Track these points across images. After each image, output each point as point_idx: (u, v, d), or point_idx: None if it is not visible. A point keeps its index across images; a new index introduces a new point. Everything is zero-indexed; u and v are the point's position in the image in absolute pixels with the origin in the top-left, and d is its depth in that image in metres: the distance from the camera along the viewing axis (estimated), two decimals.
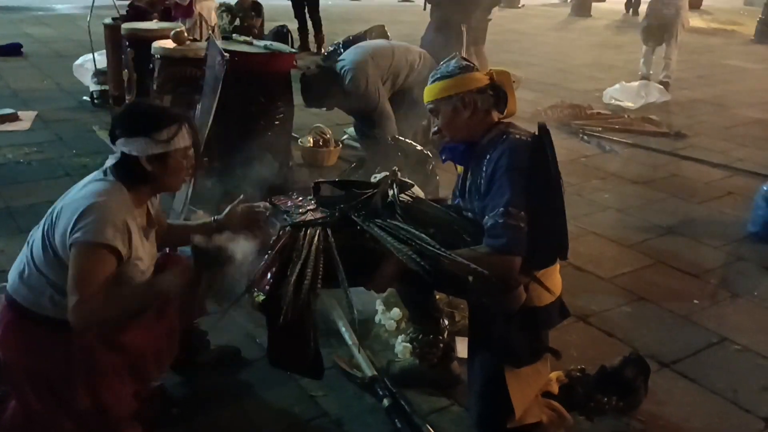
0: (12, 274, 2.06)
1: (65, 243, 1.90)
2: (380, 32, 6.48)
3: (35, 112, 6.00)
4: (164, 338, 2.21)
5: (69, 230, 1.89)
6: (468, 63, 2.21)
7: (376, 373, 2.56)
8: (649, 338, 2.96)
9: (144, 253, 2.07)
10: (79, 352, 1.98)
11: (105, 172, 2.02)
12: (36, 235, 2.04)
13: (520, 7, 17.84)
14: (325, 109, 4.49)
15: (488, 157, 2.08)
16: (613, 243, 3.96)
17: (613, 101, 7.23)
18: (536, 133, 2.08)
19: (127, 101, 4.98)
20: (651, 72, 7.96)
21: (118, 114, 2.05)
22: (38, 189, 4.37)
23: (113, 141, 2.01)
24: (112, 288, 1.93)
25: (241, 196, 2.45)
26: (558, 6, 18.89)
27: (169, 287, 2.09)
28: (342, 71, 4.25)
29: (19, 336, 2.01)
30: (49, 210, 2.04)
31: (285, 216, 2.28)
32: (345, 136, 5.31)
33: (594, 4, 17.08)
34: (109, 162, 2.01)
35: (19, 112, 5.88)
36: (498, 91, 2.18)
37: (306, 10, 9.28)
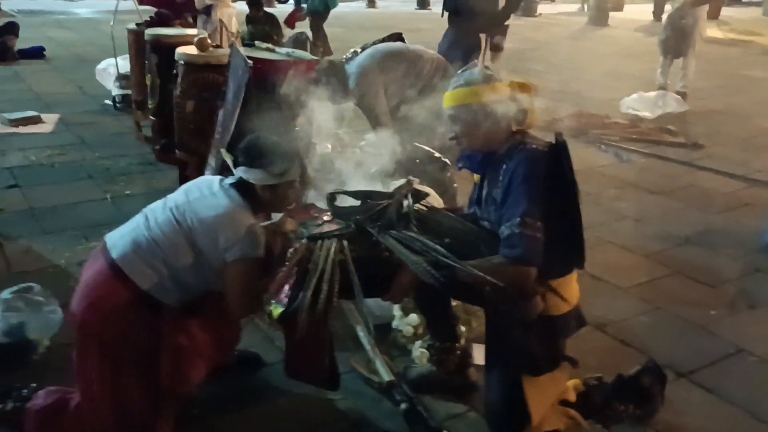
0: (123, 245, 2.19)
1: (219, 253, 2.16)
2: (397, 40, 6.51)
3: (58, 115, 6.11)
4: (226, 330, 2.48)
5: (227, 247, 2.15)
6: (491, 73, 2.23)
7: (393, 378, 2.59)
8: (666, 348, 2.96)
9: None
10: (163, 330, 2.19)
11: (226, 188, 2.25)
12: (158, 219, 2.22)
13: (537, 16, 17.87)
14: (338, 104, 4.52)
15: (505, 166, 2.09)
16: (630, 252, 3.97)
17: (630, 111, 7.22)
18: (553, 143, 2.10)
19: (149, 106, 5.04)
20: (668, 82, 7.94)
21: (244, 144, 2.32)
22: (61, 191, 4.45)
23: (235, 166, 2.27)
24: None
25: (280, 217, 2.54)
26: (575, 15, 18.89)
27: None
28: (349, 73, 4.31)
29: (115, 306, 2.13)
30: (170, 203, 2.25)
31: (301, 228, 2.32)
32: (363, 143, 5.34)
33: (611, 14, 17.08)
34: (230, 180, 2.27)
35: (42, 115, 5.98)
36: (519, 103, 2.20)
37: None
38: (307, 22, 9.74)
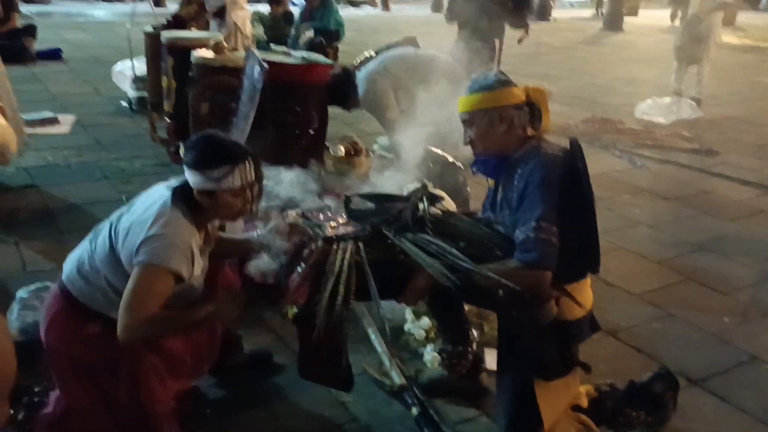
0: (69, 266, 2.14)
1: (131, 260, 1.98)
2: (411, 43, 6.53)
3: (74, 117, 6.16)
4: (205, 344, 2.31)
5: (135, 249, 1.96)
6: (506, 78, 2.24)
7: (405, 381, 2.60)
8: (679, 355, 2.96)
9: (198, 268, 2.15)
10: (124, 350, 2.04)
11: (173, 192, 2.08)
12: (100, 234, 2.12)
13: (550, 21, 17.85)
14: (342, 109, 4.54)
15: (520, 171, 2.11)
16: (644, 259, 3.96)
17: (644, 116, 7.21)
18: (568, 148, 2.11)
19: (165, 108, 5.08)
20: (683, 88, 7.91)
21: (188, 142, 2.13)
22: (77, 191, 4.49)
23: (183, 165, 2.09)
24: (162, 310, 2.01)
25: (283, 212, 2.51)
26: (589, 20, 18.85)
27: (217, 316, 2.19)
28: (359, 80, 4.33)
29: (68, 326, 2.09)
30: (115, 214, 2.13)
31: (317, 229, 2.33)
32: (376, 146, 5.37)
33: (626, 19, 17.03)
34: (173, 183, 2.10)
35: (59, 116, 6.04)
36: (534, 108, 2.21)
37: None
38: None
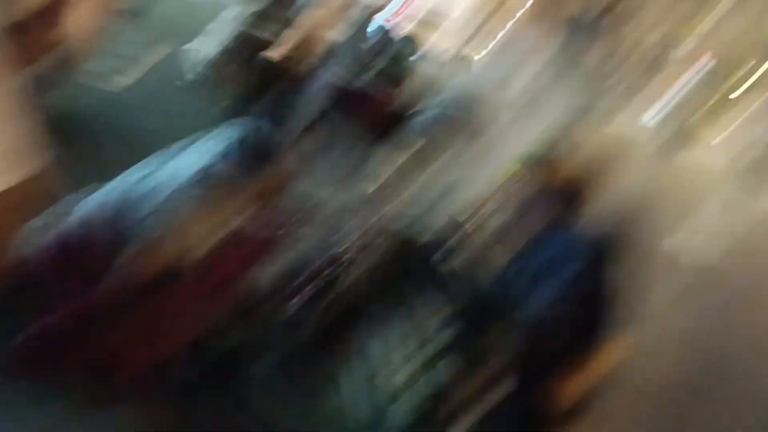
0: (95, 204, 2.15)
1: None
2: None
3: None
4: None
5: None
6: (553, 149, 2.24)
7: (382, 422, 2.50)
8: None
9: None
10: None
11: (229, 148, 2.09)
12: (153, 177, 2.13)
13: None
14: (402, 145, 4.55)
15: (552, 241, 2.09)
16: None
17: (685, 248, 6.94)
18: (604, 231, 2.08)
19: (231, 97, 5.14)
20: None
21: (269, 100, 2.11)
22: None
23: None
24: None
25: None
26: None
27: None
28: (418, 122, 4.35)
29: (77, 266, 2.11)
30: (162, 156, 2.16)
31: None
32: (415, 184, 5.33)
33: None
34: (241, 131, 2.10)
35: None
36: (571, 187, 2.16)
37: None
38: None
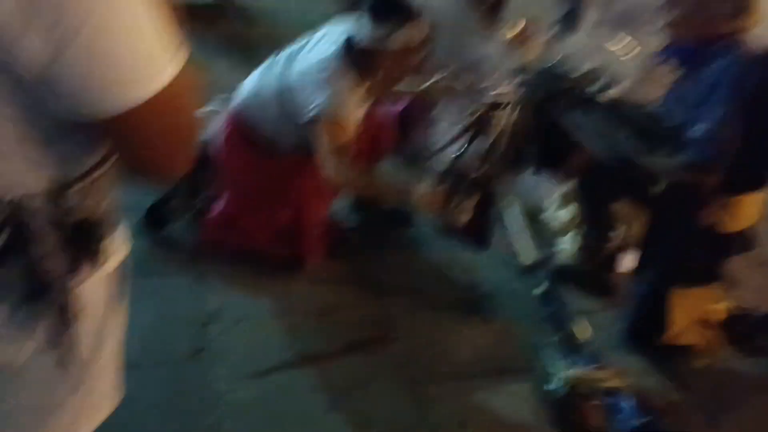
0: (245, 92, 2.32)
1: (302, 111, 2.14)
2: None
3: None
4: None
5: (308, 108, 2.11)
6: None
7: (541, 259, 2.60)
8: None
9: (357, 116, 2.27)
10: (290, 172, 2.29)
11: (343, 46, 2.14)
12: (275, 67, 2.27)
13: None
14: None
15: (712, 65, 1.98)
16: None
17: None
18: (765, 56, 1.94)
19: None
20: None
21: None
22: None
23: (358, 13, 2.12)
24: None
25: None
26: None
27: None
28: None
29: (240, 148, 2.31)
30: (290, 50, 2.27)
31: (484, 92, 2.32)
32: (554, 28, 5.09)
33: None
34: (347, 34, 2.13)
35: None
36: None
37: None
38: None
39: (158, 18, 0.69)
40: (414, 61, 2.17)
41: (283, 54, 2.29)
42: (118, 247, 0.91)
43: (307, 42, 2.26)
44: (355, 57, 2.10)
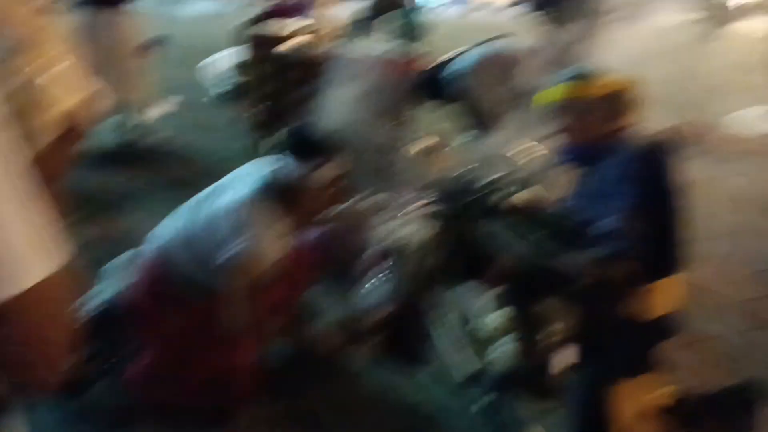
0: (165, 234, 2.26)
1: (221, 249, 2.11)
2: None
3: (172, 102, 6.40)
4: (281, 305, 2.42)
5: (227, 247, 2.09)
6: (596, 69, 2.23)
7: (477, 370, 2.57)
8: (765, 368, 2.80)
9: (278, 249, 2.26)
10: (217, 314, 2.18)
11: (263, 182, 2.17)
12: (196, 208, 2.24)
13: (652, 24, 17.27)
14: (438, 104, 4.56)
15: (608, 162, 2.08)
16: (738, 267, 3.77)
17: (746, 124, 6.89)
18: (657, 143, 2.06)
19: (254, 96, 5.23)
20: None
21: (285, 131, 2.31)
22: (170, 169, 4.71)
23: (277, 156, 2.18)
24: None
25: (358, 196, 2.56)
26: (694, 24, 18.09)
27: None
28: (454, 73, 4.33)
29: (161, 291, 2.23)
30: (207, 191, 2.26)
31: (401, 210, 2.36)
32: (459, 141, 5.33)
33: (729, 25, 16.27)
34: (266, 175, 2.17)
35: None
36: (622, 99, 2.18)
37: None
38: None
39: (34, 214, 0.66)
40: (334, 194, 2.23)
41: (195, 199, 2.28)
42: None
43: (217, 187, 2.25)
44: (278, 194, 2.13)
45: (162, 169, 4.76)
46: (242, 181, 2.21)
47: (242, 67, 5.60)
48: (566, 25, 5.38)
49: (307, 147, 2.15)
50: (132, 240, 3.46)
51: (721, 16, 15.86)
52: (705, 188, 5.05)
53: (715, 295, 3.41)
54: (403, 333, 2.17)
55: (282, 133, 2.24)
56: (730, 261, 3.85)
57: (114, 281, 2.86)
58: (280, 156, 2.15)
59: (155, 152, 5.06)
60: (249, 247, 2.08)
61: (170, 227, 2.29)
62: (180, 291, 2.21)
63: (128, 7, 5.41)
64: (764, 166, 5.66)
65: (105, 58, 4.74)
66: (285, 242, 2.24)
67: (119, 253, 3.04)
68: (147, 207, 4.06)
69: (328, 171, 2.12)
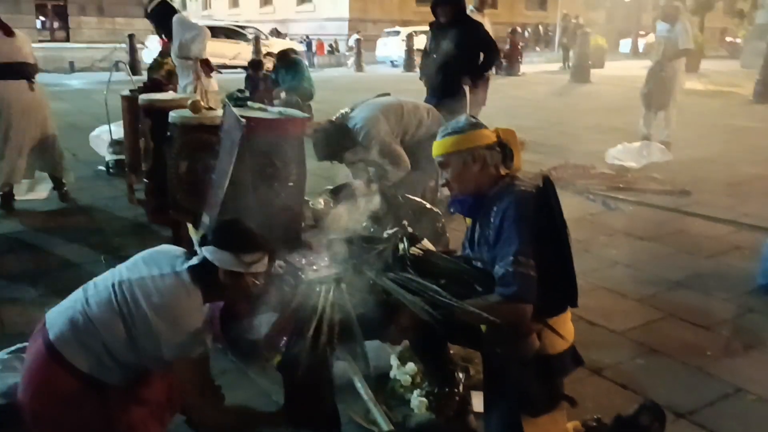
0: (59, 324, 2.10)
1: (154, 345, 2.04)
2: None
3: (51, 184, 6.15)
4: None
5: (167, 341, 2.04)
6: (477, 121, 2.33)
7: (392, 427, 2.57)
8: (664, 389, 2.95)
9: None
10: (113, 410, 2.07)
11: (178, 271, 2.13)
12: (97, 294, 2.12)
13: (520, 75, 18.36)
14: (336, 162, 4.63)
15: (495, 208, 2.16)
16: (624, 297, 3.99)
17: (616, 161, 7.36)
18: (540, 185, 2.17)
19: (143, 169, 5.12)
20: (652, 132, 8.13)
21: (218, 224, 2.28)
22: (56, 254, 4.49)
23: (202, 245, 2.15)
24: (228, 409, 2.32)
25: None
26: (557, 73, 19.39)
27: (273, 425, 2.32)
28: (354, 127, 4.42)
29: (54, 387, 2.06)
30: (113, 274, 2.16)
31: (298, 273, 2.36)
32: (356, 193, 5.41)
33: (593, 71, 17.55)
34: (191, 261, 2.14)
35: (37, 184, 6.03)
36: (504, 148, 2.28)
37: None
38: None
39: None
40: (256, 286, 2.20)
41: (98, 284, 2.17)
42: None
43: (130, 268, 2.17)
44: (209, 281, 2.12)
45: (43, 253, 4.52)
46: (156, 265, 2.15)
47: (130, 138, 5.51)
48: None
49: (249, 241, 2.15)
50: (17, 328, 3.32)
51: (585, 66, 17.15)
52: (585, 223, 5.37)
53: (604, 325, 3.58)
54: (312, 400, 2.14)
55: (208, 223, 2.22)
56: (617, 291, 4.07)
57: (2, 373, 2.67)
58: (212, 245, 2.13)
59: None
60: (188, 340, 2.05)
61: (65, 316, 2.15)
62: (81, 380, 2.07)
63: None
64: (639, 198, 6.06)
65: None
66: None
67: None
68: (31, 293, 3.84)
69: (260, 266, 2.13)
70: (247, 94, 6.52)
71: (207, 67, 6.57)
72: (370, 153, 4.42)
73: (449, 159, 2.29)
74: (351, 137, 4.42)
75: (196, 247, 2.18)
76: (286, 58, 9.49)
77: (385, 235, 2.44)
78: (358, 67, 19.86)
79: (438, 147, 2.32)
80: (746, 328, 3.64)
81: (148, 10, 6.64)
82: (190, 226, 3.85)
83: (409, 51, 20.07)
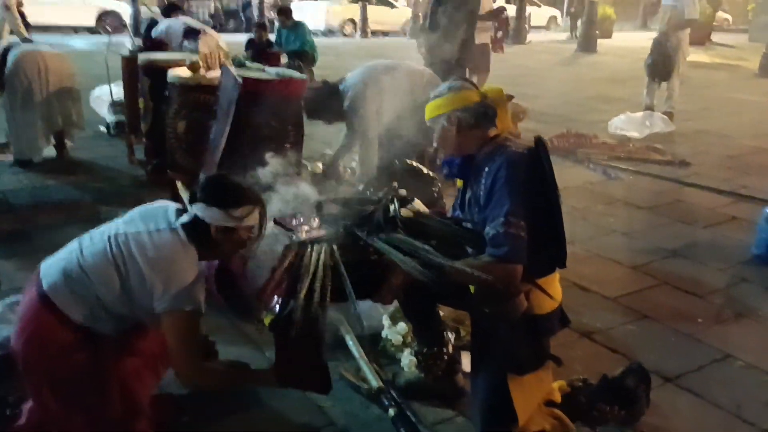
0: (52, 274, 2.11)
1: (147, 297, 2.05)
2: None
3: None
4: None
5: (160, 294, 2.03)
6: (459, 83, 2.31)
7: (382, 384, 2.61)
8: (654, 354, 2.99)
9: None
10: (105, 358, 2.10)
11: (175, 227, 2.11)
12: (92, 246, 2.12)
13: (526, 44, 18.17)
14: (324, 122, 4.63)
15: (486, 169, 2.15)
16: (619, 265, 4.01)
17: (618, 131, 7.33)
18: (533, 146, 2.16)
19: (142, 129, 5.11)
20: (655, 103, 8.07)
21: (205, 180, 2.20)
22: (55, 211, 4.53)
23: (191, 202, 2.13)
24: (215, 368, 2.34)
25: None
26: (565, 42, 19.19)
27: (262, 384, 2.38)
28: (343, 90, 4.41)
29: (47, 337, 2.08)
30: (110, 227, 2.15)
31: (291, 234, 2.37)
32: (353, 163, 5.41)
33: (600, 41, 17.37)
34: (182, 219, 2.12)
35: None
36: (487, 108, 2.25)
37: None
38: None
39: None
40: (251, 240, 2.20)
41: (93, 236, 2.18)
42: None
43: (126, 222, 2.18)
44: (202, 239, 2.11)
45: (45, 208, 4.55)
46: (153, 220, 2.14)
47: (129, 98, 5.49)
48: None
49: (238, 195, 2.12)
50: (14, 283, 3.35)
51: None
52: (584, 191, 5.37)
53: (597, 291, 3.61)
54: (303, 359, 2.16)
55: (201, 179, 2.22)
56: (613, 258, 4.09)
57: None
58: (201, 202, 2.11)
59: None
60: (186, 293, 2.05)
61: (58, 267, 2.16)
62: (74, 330, 2.10)
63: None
64: (639, 168, 6.05)
65: None
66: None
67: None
68: (28, 249, 3.87)
69: (246, 216, 2.11)
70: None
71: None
72: (348, 120, 4.43)
73: (432, 123, 2.31)
74: (338, 99, 4.41)
75: (187, 205, 2.17)
76: (288, 17, 9.36)
77: (376, 197, 2.44)
78: (364, 33, 19.69)
79: (426, 113, 2.34)
80: (738, 297, 3.66)
81: None
82: (179, 183, 3.85)
83: (415, 17, 19.89)
